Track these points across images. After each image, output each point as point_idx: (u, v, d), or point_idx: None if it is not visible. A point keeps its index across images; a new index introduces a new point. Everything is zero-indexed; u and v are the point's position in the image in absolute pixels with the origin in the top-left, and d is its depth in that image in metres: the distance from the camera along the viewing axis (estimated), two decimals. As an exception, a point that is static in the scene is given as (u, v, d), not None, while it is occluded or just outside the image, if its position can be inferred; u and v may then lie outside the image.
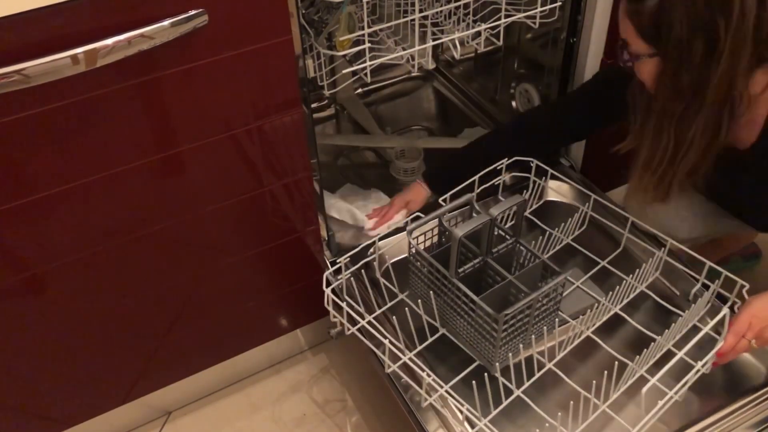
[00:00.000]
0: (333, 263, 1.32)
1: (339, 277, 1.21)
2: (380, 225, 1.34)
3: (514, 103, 1.60)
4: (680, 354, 1.04)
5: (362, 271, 1.24)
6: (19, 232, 0.97)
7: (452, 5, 1.22)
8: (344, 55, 1.16)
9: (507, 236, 1.15)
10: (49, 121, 0.89)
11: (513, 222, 1.21)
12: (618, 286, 1.17)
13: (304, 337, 1.49)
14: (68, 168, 0.95)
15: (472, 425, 1.04)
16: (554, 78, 1.45)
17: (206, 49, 0.93)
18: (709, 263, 1.17)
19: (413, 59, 1.20)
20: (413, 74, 1.85)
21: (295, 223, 1.22)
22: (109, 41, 0.84)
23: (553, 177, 1.37)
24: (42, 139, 0.90)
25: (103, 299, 1.11)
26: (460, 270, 1.10)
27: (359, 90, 1.80)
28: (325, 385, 1.45)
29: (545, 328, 1.09)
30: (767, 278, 1.19)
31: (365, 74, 1.16)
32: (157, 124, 0.98)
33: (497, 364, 1.08)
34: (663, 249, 1.21)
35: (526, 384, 1.07)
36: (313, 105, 1.47)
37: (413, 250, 1.12)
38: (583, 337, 1.13)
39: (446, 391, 1.06)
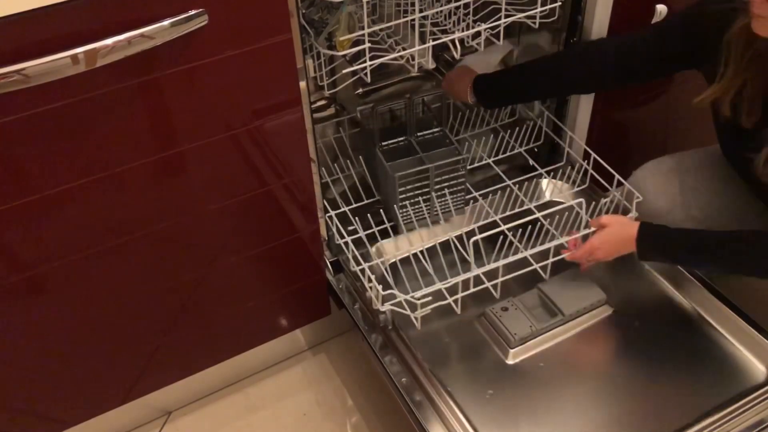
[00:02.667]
0: (333, 263, 1.32)
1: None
2: None
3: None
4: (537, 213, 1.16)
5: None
6: (19, 232, 0.97)
7: (452, 5, 1.22)
8: (344, 55, 1.16)
9: (435, 123, 1.37)
10: (49, 121, 0.89)
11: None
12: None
13: (304, 337, 1.49)
14: (68, 168, 0.95)
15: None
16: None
17: (206, 49, 0.93)
18: (618, 177, 1.26)
19: (413, 59, 1.20)
20: (413, 74, 1.85)
21: (295, 223, 1.22)
22: (109, 41, 0.84)
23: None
24: (42, 139, 0.90)
25: (103, 299, 1.11)
26: (384, 143, 1.35)
27: (359, 90, 1.80)
28: (325, 385, 1.45)
29: (450, 201, 1.30)
30: (755, 283, 1.19)
31: (365, 74, 1.16)
32: (157, 124, 0.98)
33: (402, 221, 1.30)
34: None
35: (426, 245, 1.26)
36: (313, 105, 1.47)
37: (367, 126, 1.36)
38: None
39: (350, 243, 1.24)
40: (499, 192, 1.38)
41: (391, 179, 1.27)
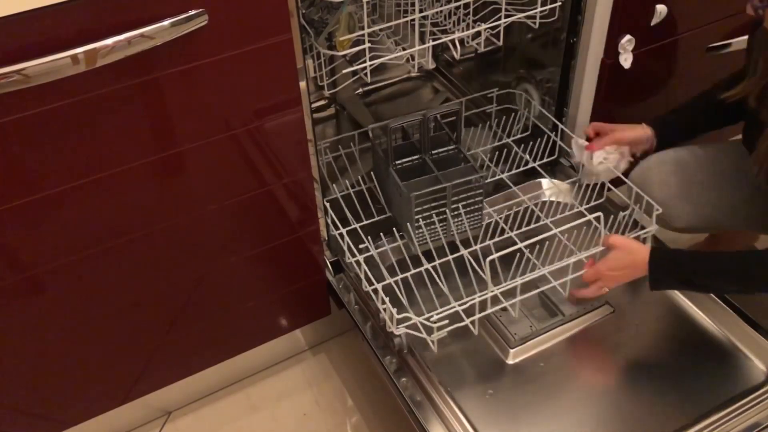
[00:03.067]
0: (333, 263, 1.32)
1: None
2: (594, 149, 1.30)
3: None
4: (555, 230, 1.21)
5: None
6: (19, 232, 0.97)
7: (452, 5, 1.22)
8: (344, 55, 1.16)
9: (450, 140, 1.32)
10: (49, 121, 0.89)
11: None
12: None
13: (304, 337, 1.49)
14: (68, 168, 0.95)
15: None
16: (555, 78, 1.45)
17: (206, 49, 0.93)
18: (638, 192, 1.24)
19: (413, 59, 1.20)
20: (413, 74, 1.85)
21: (295, 223, 1.22)
22: (109, 41, 0.84)
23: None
24: (42, 139, 0.90)
25: (102, 299, 1.11)
26: (398, 162, 1.31)
27: (359, 90, 1.80)
28: (325, 385, 1.45)
29: (466, 221, 1.25)
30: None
31: (365, 74, 1.16)
32: (157, 124, 0.98)
33: (416, 241, 1.25)
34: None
35: (437, 261, 1.21)
36: (313, 105, 1.48)
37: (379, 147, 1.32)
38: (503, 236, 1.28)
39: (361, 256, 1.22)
40: (514, 207, 1.34)
41: (406, 199, 1.21)
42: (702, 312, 1.21)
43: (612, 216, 1.26)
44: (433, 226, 1.24)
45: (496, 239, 1.26)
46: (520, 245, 1.17)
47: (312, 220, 1.24)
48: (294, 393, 1.44)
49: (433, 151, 1.33)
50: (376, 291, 1.14)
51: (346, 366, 1.48)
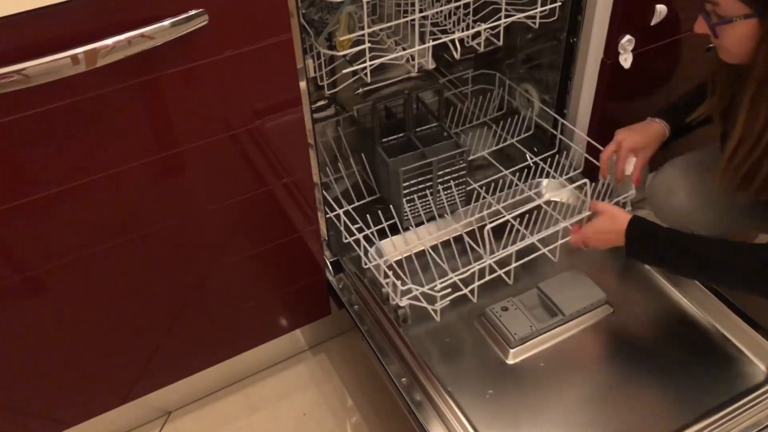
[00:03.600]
0: (333, 263, 1.32)
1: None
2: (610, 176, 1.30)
3: (514, 103, 1.60)
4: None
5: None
6: (19, 231, 0.97)
7: (452, 5, 1.22)
8: (344, 55, 1.16)
9: (433, 117, 1.38)
10: (49, 121, 0.89)
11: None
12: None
13: (304, 337, 1.49)
14: (68, 168, 0.95)
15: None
16: (555, 78, 1.45)
17: (206, 49, 0.93)
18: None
19: (413, 59, 1.20)
20: (413, 74, 1.85)
21: (295, 223, 1.22)
22: (109, 41, 0.84)
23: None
24: (42, 139, 0.90)
25: (103, 299, 1.11)
26: (384, 140, 1.35)
27: (359, 90, 1.80)
28: (325, 385, 1.45)
29: (455, 192, 1.33)
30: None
31: (365, 74, 1.16)
32: (157, 124, 0.98)
33: (410, 214, 1.32)
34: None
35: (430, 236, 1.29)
36: (313, 105, 1.48)
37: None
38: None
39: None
40: (501, 182, 1.41)
41: (394, 175, 1.28)
42: (702, 312, 1.21)
43: (593, 184, 1.29)
44: (424, 200, 1.33)
45: (485, 212, 1.32)
46: (508, 216, 1.24)
47: (312, 220, 1.24)
48: (294, 393, 1.44)
49: (417, 129, 1.38)
50: (377, 267, 1.19)
51: (346, 366, 1.48)
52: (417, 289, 1.16)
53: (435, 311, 1.18)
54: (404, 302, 1.16)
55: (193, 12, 0.88)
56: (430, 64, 1.24)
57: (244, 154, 1.08)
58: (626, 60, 1.31)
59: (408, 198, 1.31)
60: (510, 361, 1.16)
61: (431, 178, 1.30)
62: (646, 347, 1.17)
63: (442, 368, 1.14)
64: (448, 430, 1.06)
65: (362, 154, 1.44)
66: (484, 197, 1.36)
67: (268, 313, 1.35)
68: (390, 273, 1.16)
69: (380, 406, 1.40)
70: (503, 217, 1.23)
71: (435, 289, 1.16)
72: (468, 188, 1.36)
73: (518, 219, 1.26)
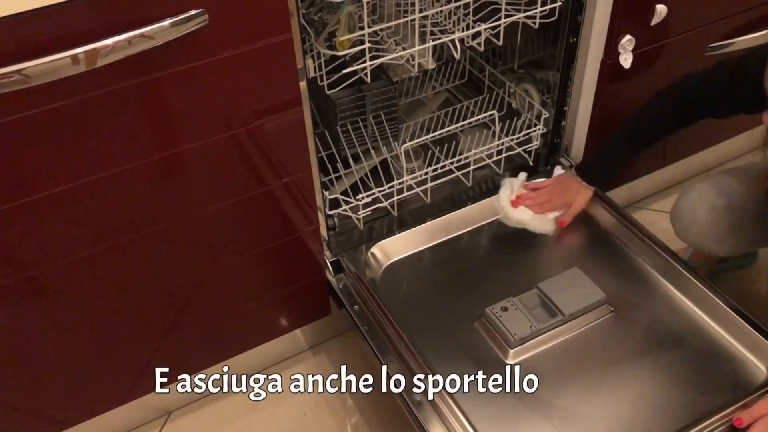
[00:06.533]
0: (333, 263, 1.32)
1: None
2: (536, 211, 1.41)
3: (513, 104, 1.60)
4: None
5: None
6: (19, 232, 0.97)
7: (452, 5, 1.22)
8: (344, 55, 1.16)
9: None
10: (49, 121, 0.89)
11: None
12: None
13: (304, 337, 1.48)
14: (68, 168, 0.95)
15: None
16: (554, 78, 1.45)
17: (206, 49, 0.93)
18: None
19: (413, 59, 1.20)
20: (413, 74, 1.85)
21: (295, 223, 1.22)
22: (109, 41, 0.84)
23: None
24: (42, 139, 0.90)
25: (103, 299, 1.11)
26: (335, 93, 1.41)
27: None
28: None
29: (387, 126, 1.49)
30: (756, 284, 1.19)
31: (365, 74, 1.16)
32: (157, 124, 0.98)
33: (341, 144, 1.47)
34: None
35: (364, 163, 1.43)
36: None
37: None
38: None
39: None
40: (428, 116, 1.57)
41: (332, 107, 1.43)
42: (702, 312, 1.21)
43: (508, 121, 1.45)
44: (357, 132, 1.48)
45: (412, 143, 1.41)
46: (425, 139, 1.40)
47: (312, 220, 1.24)
48: (294, 393, 1.44)
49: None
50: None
51: (346, 366, 1.48)
52: (341, 198, 1.33)
53: (358, 219, 1.35)
54: (333, 212, 1.33)
55: (192, 12, 0.88)
56: (430, 64, 1.24)
57: (244, 154, 1.08)
58: (626, 60, 1.31)
59: (343, 129, 1.44)
60: (510, 361, 1.16)
61: (365, 111, 1.44)
62: (646, 347, 1.17)
63: (442, 368, 1.14)
64: (448, 430, 1.06)
65: (314, 110, 1.47)
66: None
67: (267, 313, 1.35)
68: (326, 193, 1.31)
69: (380, 406, 1.40)
70: (422, 139, 1.40)
71: (357, 197, 1.34)
72: (401, 126, 1.52)
73: (438, 147, 1.44)
